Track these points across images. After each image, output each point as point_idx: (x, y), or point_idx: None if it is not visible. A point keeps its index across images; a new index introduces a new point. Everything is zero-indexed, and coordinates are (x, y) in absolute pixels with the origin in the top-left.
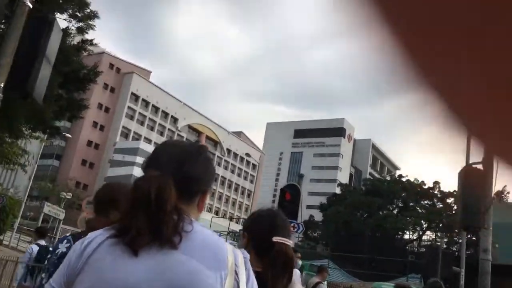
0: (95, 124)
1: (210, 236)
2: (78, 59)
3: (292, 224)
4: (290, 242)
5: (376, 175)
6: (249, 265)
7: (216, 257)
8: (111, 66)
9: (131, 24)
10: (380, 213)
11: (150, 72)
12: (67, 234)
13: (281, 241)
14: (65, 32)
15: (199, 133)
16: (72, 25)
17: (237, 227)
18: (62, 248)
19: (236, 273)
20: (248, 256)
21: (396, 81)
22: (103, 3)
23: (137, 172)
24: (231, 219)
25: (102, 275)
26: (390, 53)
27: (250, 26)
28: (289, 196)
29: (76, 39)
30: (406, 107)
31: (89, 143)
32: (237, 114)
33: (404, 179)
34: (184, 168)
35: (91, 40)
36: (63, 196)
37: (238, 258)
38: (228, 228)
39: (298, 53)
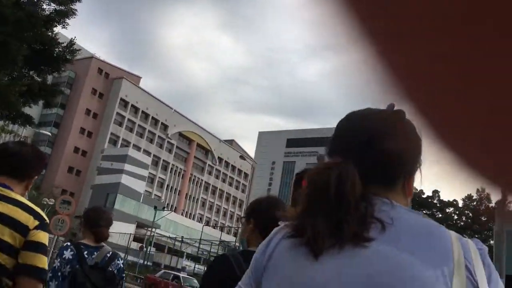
0: (82, 130)
1: (423, 221)
2: (51, 35)
3: None
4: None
5: None
6: (488, 259)
7: (433, 247)
8: (100, 71)
9: (123, 31)
10: None
11: (140, 77)
12: (68, 243)
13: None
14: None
15: (190, 140)
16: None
17: (228, 238)
18: (67, 254)
19: (469, 270)
20: (485, 248)
21: (382, 93)
22: (95, 10)
23: (125, 179)
24: (222, 229)
25: (286, 276)
26: (374, 66)
27: (243, 36)
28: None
29: (57, 29)
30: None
31: (76, 149)
32: (229, 123)
33: None
34: (377, 145)
35: (65, 13)
36: (45, 203)
37: (469, 250)
38: (220, 238)
39: (291, 64)
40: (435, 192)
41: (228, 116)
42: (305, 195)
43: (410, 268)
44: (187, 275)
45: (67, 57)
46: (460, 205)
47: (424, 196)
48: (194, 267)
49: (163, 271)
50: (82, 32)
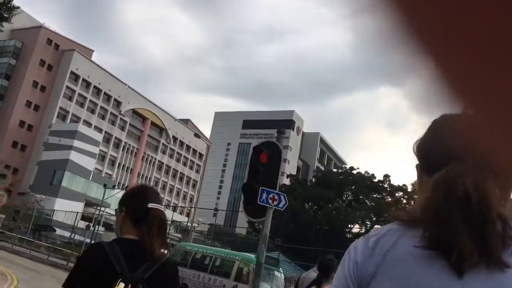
0: (28, 103)
1: None
2: None
3: (271, 195)
4: (163, 208)
5: (323, 169)
6: None
7: None
8: (49, 41)
9: (75, 2)
10: (330, 205)
11: (93, 51)
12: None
13: (155, 206)
14: None
15: (144, 118)
16: None
17: (181, 218)
18: None
19: None
20: None
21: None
22: None
23: (74, 156)
24: (174, 209)
25: (411, 284)
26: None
27: (201, 14)
28: (266, 158)
29: None
30: (354, 104)
31: (22, 123)
32: (185, 103)
33: (355, 172)
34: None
35: None
36: None
37: None
38: (172, 218)
39: (248, 46)
40: (386, 176)
41: (184, 96)
42: (436, 202)
43: None
44: None
45: (4, 15)
46: (409, 189)
47: (375, 180)
48: None
49: None
50: (32, 2)
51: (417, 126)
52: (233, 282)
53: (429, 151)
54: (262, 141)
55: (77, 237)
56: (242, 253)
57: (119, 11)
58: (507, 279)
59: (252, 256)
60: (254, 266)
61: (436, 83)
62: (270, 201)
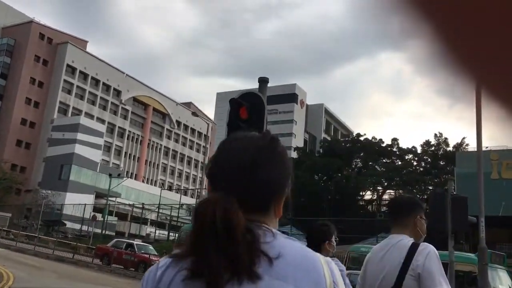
0: (28, 100)
1: (299, 251)
2: None
3: None
4: None
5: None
6: (347, 279)
7: (310, 276)
8: (42, 36)
9: None
10: (339, 174)
11: (87, 41)
12: None
13: None
14: None
15: (145, 105)
16: None
17: (190, 201)
18: None
19: None
20: (344, 268)
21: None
22: None
23: (79, 149)
24: (184, 192)
25: None
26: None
27: None
28: (246, 113)
29: None
30: (356, 73)
31: (24, 121)
32: (186, 88)
33: (362, 138)
34: (256, 175)
35: None
36: None
37: (335, 273)
38: (180, 201)
39: (246, 23)
40: (394, 140)
41: (185, 80)
42: (193, 231)
43: None
44: (142, 242)
45: None
46: (419, 151)
47: (384, 145)
48: (155, 233)
49: (115, 240)
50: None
51: (422, 89)
52: None
53: (208, 176)
54: (240, 94)
55: (90, 229)
56: None
57: (112, 3)
58: (265, 282)
59: None
60: None
61: (437, 45)
62: None
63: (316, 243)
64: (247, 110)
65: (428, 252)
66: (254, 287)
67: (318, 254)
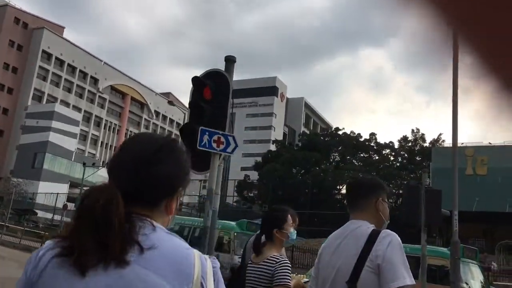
0: (1, 86)
1: (174, 245)
2: None
3: (215, 137)
4: None
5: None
6: (219, 274)
7: (179, 268)
8: (17, 20)
9: None
10: (317, 168)
11: (63, 27)
12: None
13: None
14: None
15: (123, 94)
16: None
17: None
18: None
19: (203, 286)
20: (218, 264)
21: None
22: None
23: (53, 137)
24: None
25: None
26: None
27: None
28: (210, 94)
29: None
30: (337, 68)
31: None
32: (166, 78)
33: (340, 133)
34: (147, 169)
35: None
36: None
37: (205, 268)
38: None
39: (228, 15)
40: (372, 135)
41: (165, 71)
42: (75, 215)
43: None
44: None
45: None
46: (396, 146)
47: (362, 139)
48: None
49: None
50: None
51: (401, 85)
52: (214, 252)
53: (107, 170)
54: (204, 72)
55: (62, 218)
56: (222, 221)
57: None
58: (125, 273)
59: (233, 223)
60: (235, 234)
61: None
62: (214, 145)
63: (266, 230)
64: (211, 90)
65: (390, 241)
66: (119, 273)
67: (195, 251)
